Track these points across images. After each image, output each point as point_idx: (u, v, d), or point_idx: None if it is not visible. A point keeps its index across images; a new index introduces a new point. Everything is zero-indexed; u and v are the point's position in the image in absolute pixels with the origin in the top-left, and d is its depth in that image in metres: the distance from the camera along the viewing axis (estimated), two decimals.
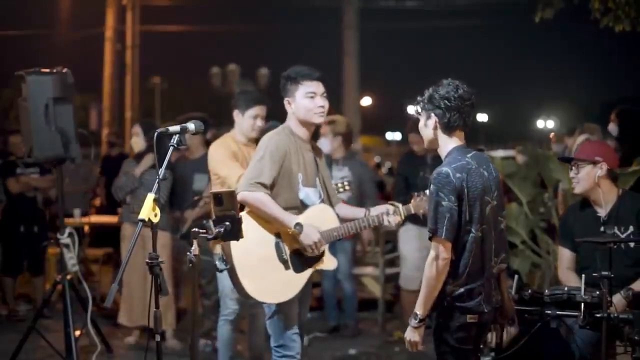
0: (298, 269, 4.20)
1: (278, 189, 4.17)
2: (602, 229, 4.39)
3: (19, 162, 7.59)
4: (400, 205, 4.40)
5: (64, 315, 5.51)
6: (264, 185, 4.08)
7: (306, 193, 4.27)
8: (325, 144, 7.05)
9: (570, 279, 4.48)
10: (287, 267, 4.17)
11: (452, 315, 3.47)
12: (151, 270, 3.22)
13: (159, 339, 3.28)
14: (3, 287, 7.98)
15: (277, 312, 4.22)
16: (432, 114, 3.48)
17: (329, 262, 4.37)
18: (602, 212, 4.43)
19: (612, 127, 6.39)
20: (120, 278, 3.19)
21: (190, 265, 3.26)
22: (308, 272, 4.26)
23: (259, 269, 4.10)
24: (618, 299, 4.08)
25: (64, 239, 5.74)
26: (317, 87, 4.25)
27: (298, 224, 4.09)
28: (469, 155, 3.48)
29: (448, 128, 3.49)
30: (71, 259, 5.77)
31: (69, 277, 5.63)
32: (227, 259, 4.01)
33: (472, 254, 3.42)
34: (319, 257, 4.27)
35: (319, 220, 4.23)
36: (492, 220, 3.51)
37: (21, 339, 5.65)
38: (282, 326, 4.23)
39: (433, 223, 3.37)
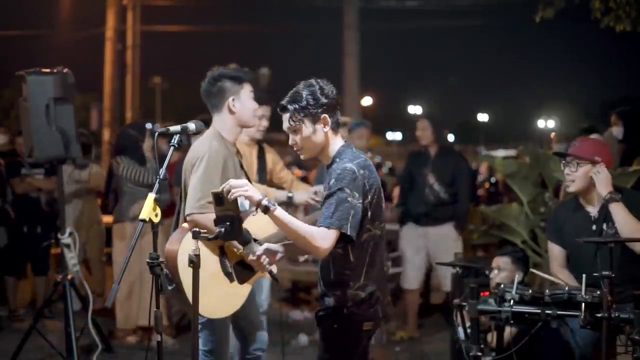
0: (241, 279, 4.12)
1: None
2: (593, 227, 4.36)
3: (24, 162, 7.59)
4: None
5: (64, 316, 5.51)
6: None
7: (241, 200, 4.22)
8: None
9: (563, 275, 4.45)
10: (231, 280, 4.07)
11: (350, 323, 3.34)
12: (152, 270, 3.21)
13: (159, 339, 3.27)
14: (5, 287, 7.98)
15: (210, 320, 4.15)
16: (323, 116, 3.35)
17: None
18: (593, 211, 4.39)
19: (617, 130, 6.38)
20: (120, 278, 3.18)
21: (191, 264, 3.25)
22: (251, 281, 4.18)
23: (207, 287, 3.91)
24: None
25: (65, 239, 5.74)
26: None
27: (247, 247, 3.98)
28: (357, 151, 3.42)
29: (336, 125, 3.41)
30: (72, 259, 5.77)
31: (69, 277, 5.63)
32: (174, 277, 3.86)
33: (370, 253, 3.33)
34: None
35: (257, 226, 4.06)
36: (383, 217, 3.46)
37: (22, 338, 5.65)
38: (214, 333, 4.19)
39: (337, 219, 3.19)
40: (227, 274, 4.05)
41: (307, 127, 3.35)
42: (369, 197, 3.28)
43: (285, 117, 3.38)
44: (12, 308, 7.85)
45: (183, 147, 4.41)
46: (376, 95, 35.00)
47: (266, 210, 3.20)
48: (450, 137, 42.97)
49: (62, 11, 23.36)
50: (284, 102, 3.37)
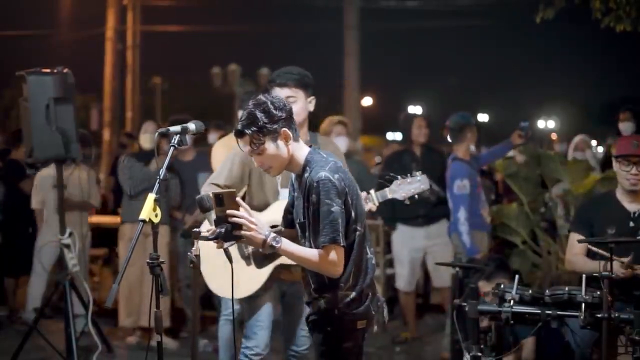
0: (259, 264, 4.23)
1: (250, 189, 4.26)
2: (631, 224, 4.33)
3: (22, 162, 7.57)
4: (372, 192, 4.42)
5: (64, 316, 5.51)
6: None
7: (284, 194, 4.24)
8: (345, 142, 7.09)
9: (579, 260, 4.41)
10: (248, 264, 4.20)
11: (343, 323, 3.36)
12: (152, 270, 3.21)
13: (159, 339, 3.27)
14: (5, 287, 7.98)
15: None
16: (283, 130, 3.30)
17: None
18: (633, 208, 4.38)
19: (627, 126, 6.36)
20: (120, 278, 3.18)
21: (191, 265, 3.26)
22: (270, 267, 4.25)
23: (222, 267, 3.93)
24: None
25: (65, 239, 5.75)
26: (281, 92, 4.17)
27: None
28: (324, 154, 3.40)
29: (296, 135, 3.37)
30: (72, 259, 5.77)
31: (69, 277, 5.64)
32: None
33: (357, 252, 3.33)
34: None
35: (280, 215, 4.11)
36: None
37: (22, 338, 5.66)
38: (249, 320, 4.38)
39: (330, 232, 3.20)
40: (245, 258, 4.19)
41: (269, 146, 3.30)
42: (349, 198, 3.29)
43: (245, 141, 3.31)
44: (12, 308, 7.86)
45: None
46: (376, 95, 34.90)
47: (272, 249, 3.24)
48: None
49: (62, 11, 23.34)
50: (240, 127, 3.30)
